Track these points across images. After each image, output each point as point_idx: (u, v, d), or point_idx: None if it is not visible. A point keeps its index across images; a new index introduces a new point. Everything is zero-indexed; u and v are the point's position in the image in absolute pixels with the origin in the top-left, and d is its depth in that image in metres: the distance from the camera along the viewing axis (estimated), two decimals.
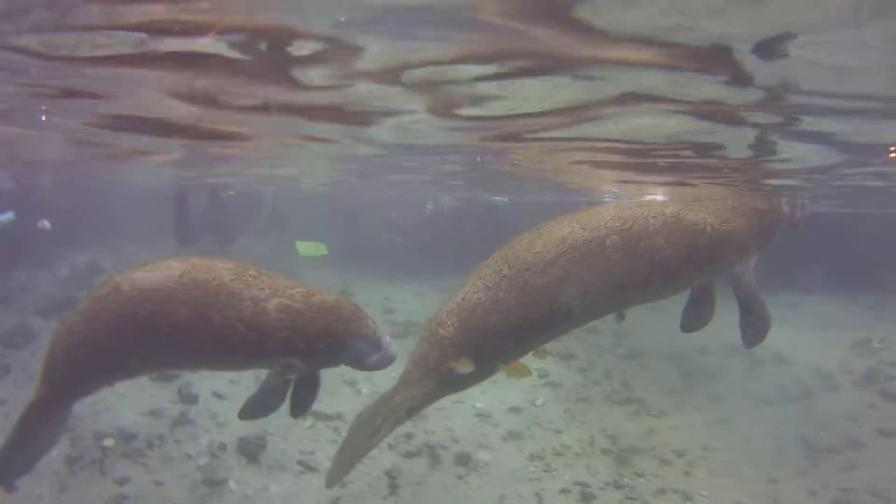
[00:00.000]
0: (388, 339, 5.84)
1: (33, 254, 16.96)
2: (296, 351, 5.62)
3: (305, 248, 18.28)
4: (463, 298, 6.22)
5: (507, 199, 22.07)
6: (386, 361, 5.81)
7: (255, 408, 5.95)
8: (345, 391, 10.83)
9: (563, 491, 8.72)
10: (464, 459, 9.09)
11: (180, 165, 13.02)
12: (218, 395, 10.33)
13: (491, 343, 6.05)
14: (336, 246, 19.61)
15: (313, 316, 5.60)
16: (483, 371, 6.39)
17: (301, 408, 6.24)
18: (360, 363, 5.80)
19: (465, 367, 5.90)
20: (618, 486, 8.86)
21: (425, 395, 6.32)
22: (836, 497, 9.08)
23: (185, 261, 5.65)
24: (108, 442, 9.04)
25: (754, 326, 6.92)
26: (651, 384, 11.87)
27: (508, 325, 6.00)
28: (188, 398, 10.14)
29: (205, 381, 10.37)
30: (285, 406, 8.95)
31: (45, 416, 6.19)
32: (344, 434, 9.40)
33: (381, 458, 9.08)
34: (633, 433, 10.25)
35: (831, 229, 16.38)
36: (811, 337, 14.43)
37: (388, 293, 17.03)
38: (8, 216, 14.45)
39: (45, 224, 16.49)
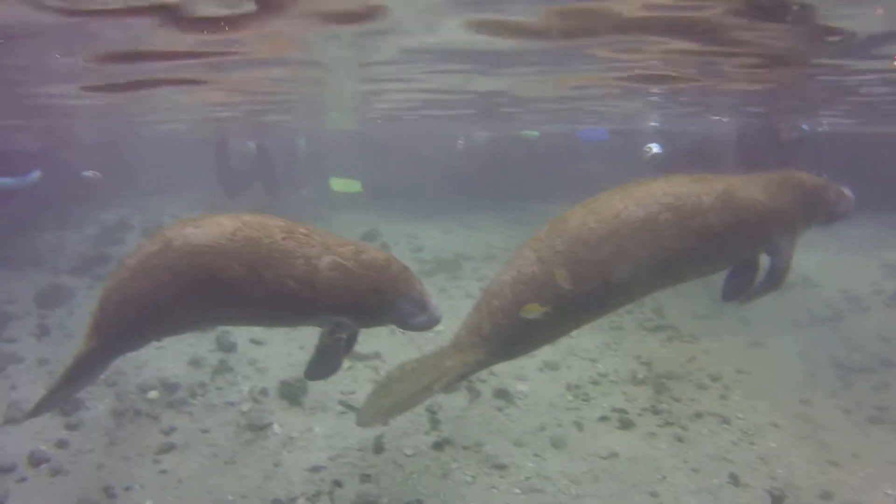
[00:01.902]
0: (434, 301, 5.94)
1: (59, 214, 17.09)
2: (346, 309, 5.72)
3: (339, 184, 18.35)
4: (518, 271, 6.31)
5: (538, 134, 21.91)
6: (431, 323, 5.93)
7: (317, 369, 6.07)
8: (381, 330, 10.93)
9: (602, 418, 8.84)
10: (502, 392, 9.22)
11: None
12: (256, 342, 10.47)
13: (542, 319, 6.16)
14: (366, 187, 19.67)
15: (363, 274, 5.68)
16: (535, 342, 6.59)
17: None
18: (405, 323, 5.91)
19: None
20: (655, 412, 8.98)
21: (477, 362, 6.47)
22: (872, 415, 9.16)
23: (235, 218, 5.72)
24: (153, 394, 9.22)
25: (767, 290, 7.10)
26: (683, 310, 11.93)
27: (563, 300, 6.09)
28: (227, 346, 10.29)
29: (242, 329, 10.48)
30: None
31: (92, 368, 6.35)
32: (382, 374, 9.63)
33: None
34: (668, 359, 10.35)
35: (858, 149, 16.21)
36: (839, 259, 14.40)
37: (416, 231, 17.09)
38: (34, 176, 14.51)
39: (92, 174, 16.55)
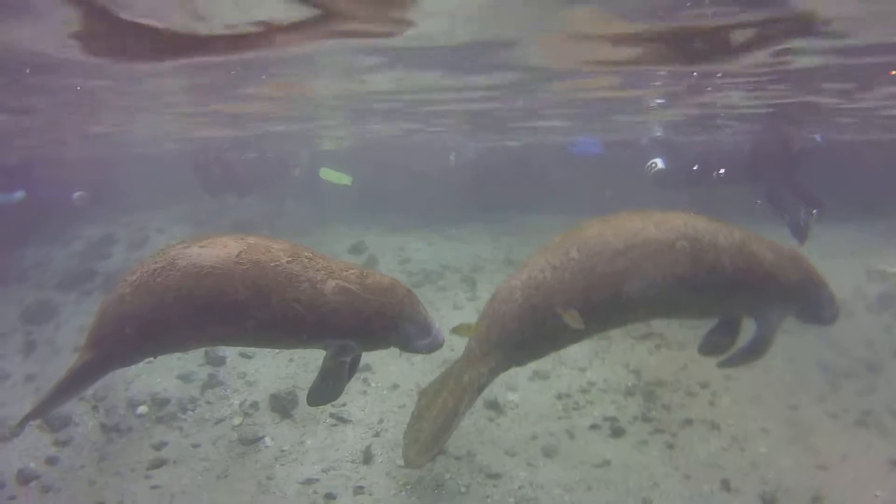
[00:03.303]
0: (437, 324, 6.00)
1: (44, 230, 17.01)
2: (351, 332, 5.75)
3: (329, 174, 18.35)
4: (529, 276, 6.44)
5: (519, 144, 22.01)
6: (434, 346, 5.98)
7: (320, 393, 6.10)
8: None
9: (594, 427, 8.87)
10: (493, 402, 9.24)
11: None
12: (245, 356, 10.45)
13: (551, 322, 6.26)
14: (350, 200, 19.66)
15: (369, 298, 5.72)
16: (543, 348, 6.70)
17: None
18: (408, 346, 5.94)
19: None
20: (646, 420, 9.02)
21: (491, 370, 6.61)
22: (858, 419, 9.23)
23: (240, 240, 5.74)
24: (142, 409, 9.19)
25: (748, 359, 7.25)
26: (670, 320, 11.92)
27: (570, 307, 6.18)
28: (216, 360, 10.25)
29: None
30: (314, 362, 9.13)
31: (86, 381, 6.32)
32: (374, 385, 9.68)
33: (413, 405, 9.19)
34: (657, 367, 10.39)
35: (843, 157, 16.37)
36: (824, 264, 14.34)
37: (403, 244, 17.10)
38: (19, 195, 14.47)
39: (81, 195, 16.43)
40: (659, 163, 13.77)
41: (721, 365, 7.45)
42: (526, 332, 6.41)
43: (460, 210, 19.88)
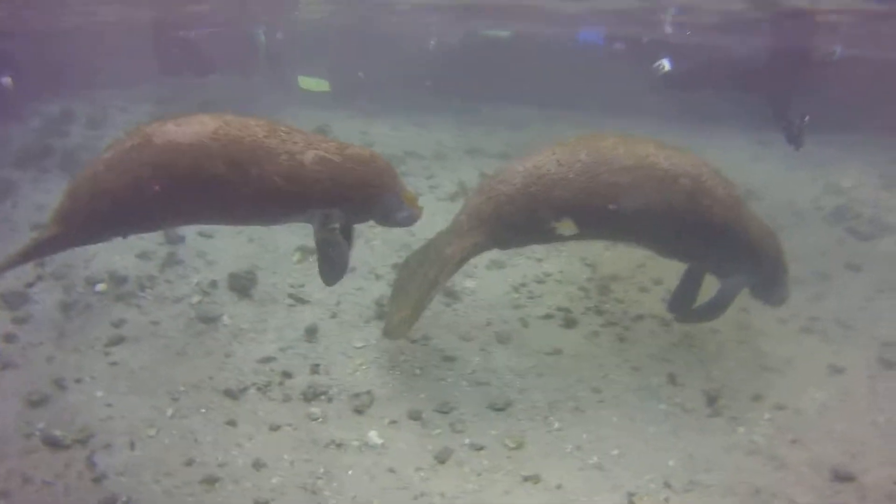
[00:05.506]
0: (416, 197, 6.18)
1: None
2: (334, 201, 5.86)
3: (307, 82, 18.20)
4: (534, 165, 6.68)
5: (509, 33, 21.61)
6: (413, 219, 6.23)
7: (329, 268, 6.17)
8: None
9: (547, 316, 9.02)
10: (450, 289, 9.33)
11: None
12: (204, 235, 10.39)
13: (544, 213, 6.54)
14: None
15: (350, 167, 5.90)
16: (529, 237, 7.12)
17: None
18: (388, 218, 6.18)
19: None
20: (598, 312, 9.17)
21: (475, 245, 6.80)
22: (804, 325, 9.41)
23: (217, 117, 5.75)
24: (101, 286, 9.18)
25: (706, 317, 7.91)
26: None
27: (567, 205, 6.53)
28: (175, 239, 10.20)
29: None
30: (273, 242, 9.15)
31: (48, 254, 6.31)
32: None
33: (371, 288, 9.36)
34: (612, 262, 10.52)
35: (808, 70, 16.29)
36: (783, 174, 14.66)
37: (367, 128, 16.93)
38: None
39: (7, 81, 15.95)
40: (666, 64, 13.63)
41: (679, 320, 8.14)
42: (517, 217, 6.63)
43: (431, 98, 19.63)
